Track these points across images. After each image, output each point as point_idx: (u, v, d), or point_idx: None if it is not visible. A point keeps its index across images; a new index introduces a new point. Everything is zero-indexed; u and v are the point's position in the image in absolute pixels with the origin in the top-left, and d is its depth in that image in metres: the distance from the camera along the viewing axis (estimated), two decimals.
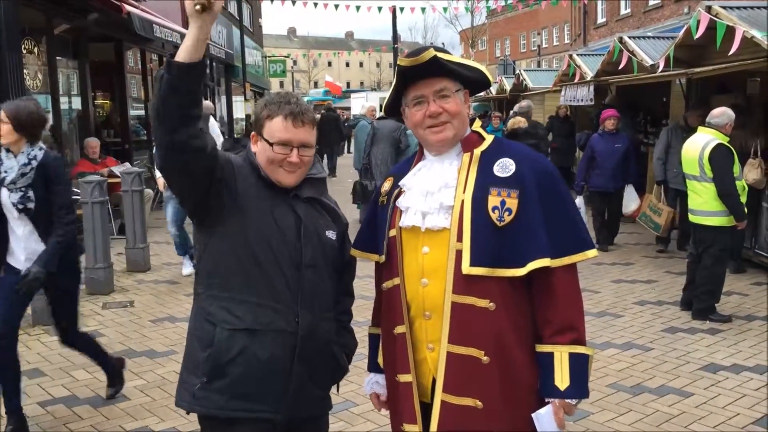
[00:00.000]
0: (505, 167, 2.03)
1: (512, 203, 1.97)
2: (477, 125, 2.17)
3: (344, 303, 2.42)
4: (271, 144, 2.14)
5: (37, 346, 5.36)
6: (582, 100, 11.71)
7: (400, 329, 2.11)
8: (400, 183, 2.17)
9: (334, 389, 2.41)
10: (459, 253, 1.98)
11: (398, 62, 2.08)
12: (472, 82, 2.13)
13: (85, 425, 4.02)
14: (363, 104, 16.09)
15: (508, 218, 1.97)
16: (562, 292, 1.99)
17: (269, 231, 2.13)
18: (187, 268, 7.43)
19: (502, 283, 1.97)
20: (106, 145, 10.77)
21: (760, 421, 4.03)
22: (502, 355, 1.98)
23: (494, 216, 1.97)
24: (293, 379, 2.13)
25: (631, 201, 8.79)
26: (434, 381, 2.05)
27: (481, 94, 36.15)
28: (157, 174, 7.14)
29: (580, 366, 1.98)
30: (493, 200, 1.98)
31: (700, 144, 5.86)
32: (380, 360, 2.31)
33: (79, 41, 10.81)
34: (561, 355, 1.97)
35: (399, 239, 2.12)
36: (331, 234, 2.28)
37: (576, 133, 13.43)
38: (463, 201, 2.01)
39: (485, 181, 2.01)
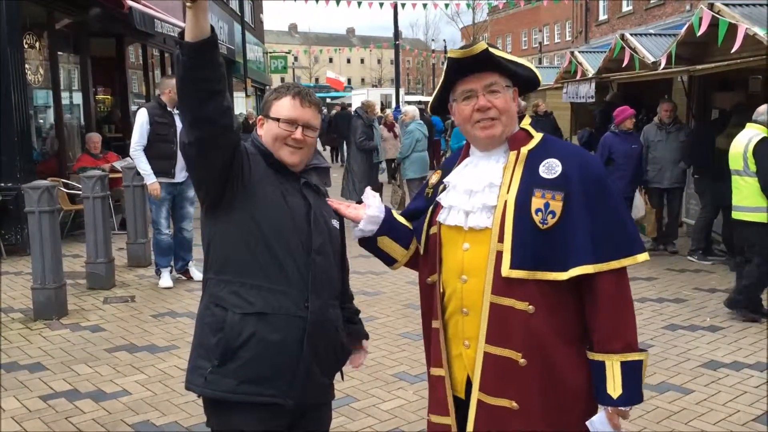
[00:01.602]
0: (551, 168, 1.98)
1: (556, 206, 1.93)
2: (526, 122, 2.12)
3: (347, 295, 2.45)
4: (277, 120, 2.23)
5: (39, 341, 5.37)
6: (583, 98, 11.70)
7: (435, 324, 2.14)
8: (444, 180, 2.17)
9: (338, 378, 2.41)
10: (500, 254, 1.96)
11: (449, 54, 2.06)
12: (522, 79, 2.09)
13: (86, 419, 4.03)
14: (362, 100, 16.20)
15: (551, 221, 1.93)
16: (608, 297, 1.95)
17: (281, 216, 2.17)
18: (167, 280, 7.04)
19: (543, 286, 1.94)
20: (107, 140, 10.76)
21: (760, 418, 4.04)
22: (541, 358, 1.95)
23: (537, 218, 1.93)
24: (302, 363, 2.15)
25: (640, 207, 8.40)
26: (469, 378, 2.06)
27: None
28: (151, 179, 6.75)
29: (633, 373, 1.95)
30: (536, 202, 1.95)
31: (745, 139, 5.86)
32: (396, 215, 2.34)
33: (80, 36, 10.80)
34: (612, 364, 1.94)
35: (439, 235, 2.12)
36: (335, 223, 2.34)
37: (558, 129, 13.37)
38: (506, 201, 1.98)
39: (530, 181, 1.98)
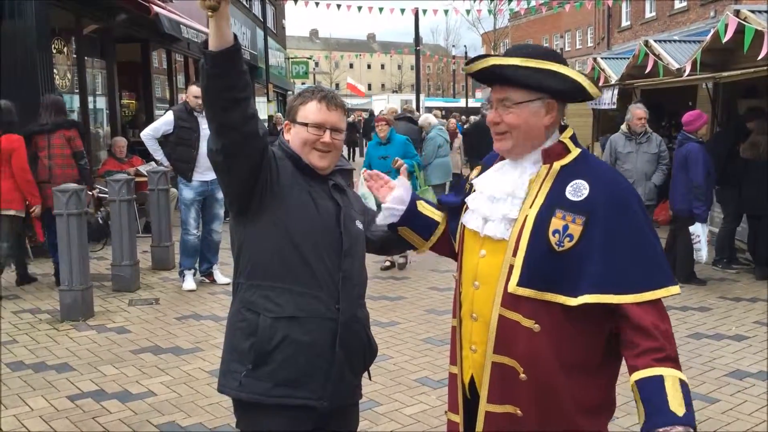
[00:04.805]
0: (577, 190, 1.91)
1: (575, 229, 1.87)
2: (566, 135, 2.02)
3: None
4: (306, 125, 2.25)
5: (66, 341, 5.45)
6: (606, 104, 11.64)
7: (454, 322, 2.16)
8: (472, 180, 2.17)
9: (364, 380, 2.43)
10: (512, 268, 1.93)
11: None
12: (559, 91, 1.96)
13: (113, 419, 4.08)
14: (384, 105, 16.31)
15: (568, 244, 1.87)
16: (650, 325, 1.83)
17: (311, 219, 2.19)
18: (191, 283, 7.09)
19: (551, 307, 1.88)
20: (131, 144, 10.90)
21: None
22: (541, 377, 1.92)
23: (553, 240, 1.88)
24: (335, 365, 2.18)
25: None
26: (473, 380, 2.07)
27: None
28: (165, 161, 7.23)
29: (688, 395, 1.80)
30: (555, 223, 1.89)
31: None
32: (421, 206, 2.34)
33: (106, 41, 10.97)
34: (673, 379, 1.79)
35: (462, 236, 2.13)
36: (359, 224, 2.36)
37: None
38: (527, 217, 1.94)
39: (554, 200, 1.92)
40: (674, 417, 1.74)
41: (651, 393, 1.79)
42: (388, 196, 2.33)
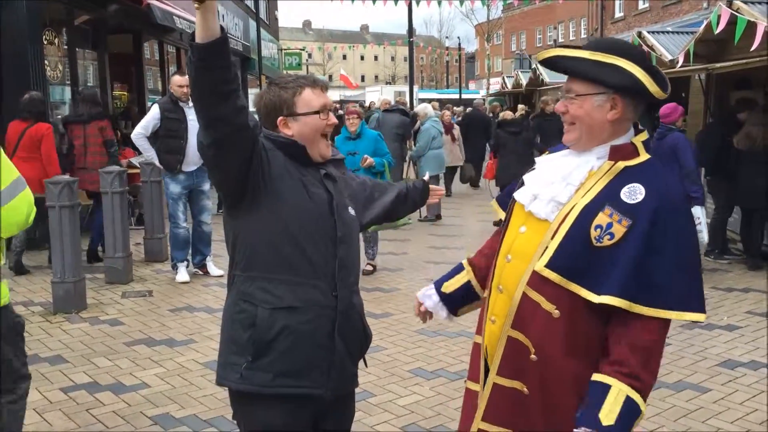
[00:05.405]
0: (632, 193, 1.90)
1: (618, 230, 1.86)
2: (640, 138, 2.00)
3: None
4: (317, 112, 2.26)
5: (59, 334, 5.44)
6: None
7: (485, 293, 2.18)
8: (537, 159, 2.19)
9: (359, 369, 2.44)
10: (547, 250, 1.94)
11: None
12: (621, 86, 1.92)
13: (107, 411, 4.08)
14: (378, 97, 16.32)
15: (607, 242, 1.87)
16: (637, 338, 1.85)
17: (305, 208, 2.19)
18: (184, 275, 7.08)
19: (575, 298, 1.89)
20: (123, 136, 10.85)
21: None
22: (550, 362, 1.93)
23: (594, 234, 1.88)
24: (335, 353, 2.19)
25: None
26: (486, 351, 2.09)
27: (496, 87, 35.19)
28: (156, 160, 7.19)
29: (630, 414, 1.82)
30: (601, 218, 1.89)
31: None
32: (446, 287, 2.41)
33: (98, 33, 10.90)
34: (619, 392, 1.82)
35: (511, 210, 2.15)
36: (352, 211, 2.37)
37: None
38: (575, 205, 1.94)
39: (607, 196, 1.91)
40: (597, 424, 1.81)
41: (593, 395, 1.85)
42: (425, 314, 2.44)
